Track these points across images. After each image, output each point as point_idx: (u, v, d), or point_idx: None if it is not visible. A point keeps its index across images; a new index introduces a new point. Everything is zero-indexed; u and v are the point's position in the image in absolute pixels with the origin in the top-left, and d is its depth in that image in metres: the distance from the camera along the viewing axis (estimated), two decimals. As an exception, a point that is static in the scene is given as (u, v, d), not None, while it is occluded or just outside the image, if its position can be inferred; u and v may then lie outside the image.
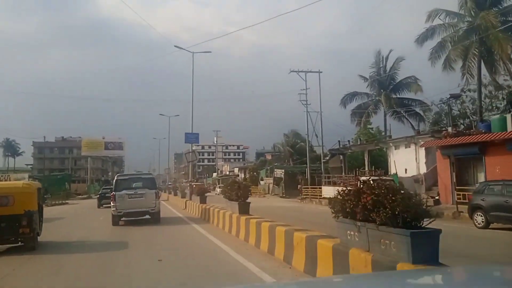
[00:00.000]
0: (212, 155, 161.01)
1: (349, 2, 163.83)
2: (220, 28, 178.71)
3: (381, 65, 39.82)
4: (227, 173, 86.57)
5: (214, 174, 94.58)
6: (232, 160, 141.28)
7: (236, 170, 77.64)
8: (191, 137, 29.68)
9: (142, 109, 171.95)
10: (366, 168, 30.96)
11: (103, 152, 77.42)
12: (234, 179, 16.31)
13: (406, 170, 24.91)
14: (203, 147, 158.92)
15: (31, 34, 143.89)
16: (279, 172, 45.10)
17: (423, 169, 24.70)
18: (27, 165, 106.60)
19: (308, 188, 35.28)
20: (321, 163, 37.70)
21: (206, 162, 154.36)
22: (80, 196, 59.15)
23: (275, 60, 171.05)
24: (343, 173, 34.22)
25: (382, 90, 38.97)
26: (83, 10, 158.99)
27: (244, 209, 12.34)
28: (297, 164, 49.41)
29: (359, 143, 35.57)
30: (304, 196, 34.48)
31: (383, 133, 37.82)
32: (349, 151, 35.03)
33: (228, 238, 11.84)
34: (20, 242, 10.74)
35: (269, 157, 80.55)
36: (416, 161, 25.98)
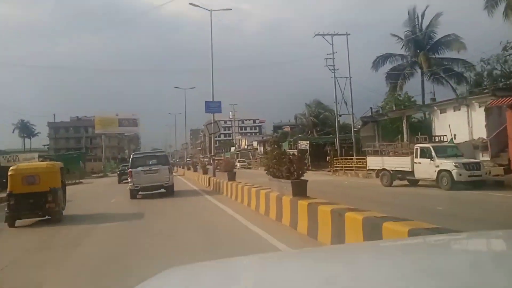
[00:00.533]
0: (228, 129, 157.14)
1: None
2: (231, 4, 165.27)
3: (416, 23, 35.33)
4: (245, 147, 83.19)
5: (232, 149, 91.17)
6: (248, 135, 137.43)
7: (255, 143, 74.06)
8: (213, 106, 25.47)
9: (156, 84, 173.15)
10: (405, 136, 27.08)
11: (117, 129, 75.08)
12: (280, 151, 12.14)
13: (455, 135, 21.03)
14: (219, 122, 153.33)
15: (46, 20, 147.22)
16: (304, 144, 41.47)
17: (479, 134, 20.75)
18: (44, 145, 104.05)
19: (340, 159, 33.32)
20: (351, 132, 33.93)
21: (222, 137, 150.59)
22: (95, 175, 56.39)
23: (292, 32, 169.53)
24: (377, 142, 30.48)
25: (418, 51, 34.63)
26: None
27: (300, 190, 9.71)
28: (321, 135, 45.51)
29: (394, 109, 31.63)
30: (336, 168, 32.70)
31: (413, 99, 33.71)
32: (385, 117, 31.11)
33: (283, 230, 9.32)
34: (47, 216, 12.18)
35: (287, 129, 77.41)
36: (469, 125, 22.12)
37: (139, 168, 18.35)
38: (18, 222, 11.91)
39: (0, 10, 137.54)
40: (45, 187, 12.04)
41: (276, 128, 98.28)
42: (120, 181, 32.60)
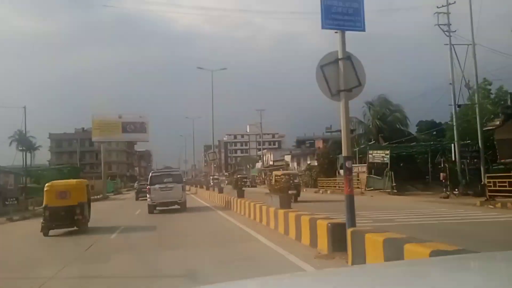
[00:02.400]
0: (245, 145, 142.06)
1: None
2: (243, 19, 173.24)
3: None
4: (270, 162, 67.47)
5: (258, 165, 75.61)
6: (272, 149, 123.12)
7: (287, 158, 58.75)
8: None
9: (167, 104, 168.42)
10: None
11: (120, 136, 57.37)
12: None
13: None
14: (235, 137, 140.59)
15: (59, 32, 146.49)
16: (380, 156, 25.65)
17: None
18: (48, 161, 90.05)
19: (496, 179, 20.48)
20: (477, 134, 18.80)
21: (239, 153, 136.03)
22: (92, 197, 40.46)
23: (302, 49, 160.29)
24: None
25: None
26: (108, 6, 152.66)
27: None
28: (392, 143, 30.46)
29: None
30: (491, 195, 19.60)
31: None
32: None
33: None
34: (75, 227, 13.84)
35: (319, 144, 67.52)
36: None
37: (157, 185, 20.14)
38: (50, 232, 13.55)
39: (14, 22, 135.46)
40: (74, 201, 13.79)
41: (300, 142, 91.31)
42: (137, 198, 35.21)
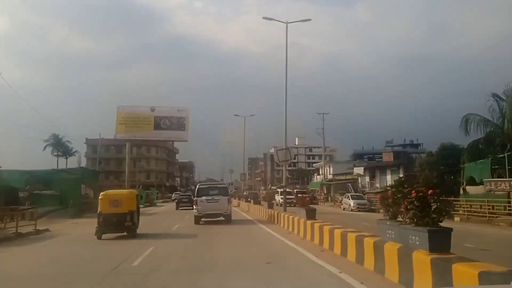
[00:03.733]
0: (294, 158, 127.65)
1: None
2: (289, 40, 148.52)
3: None
4: (329, 176, 54.35)
5: (318, 178, 62.70)
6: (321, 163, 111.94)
7: (357, 170, 45.72)
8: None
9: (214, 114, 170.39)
10: None
11: (152, 133, 44.47)
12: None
13: None
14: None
15: (113, 53, 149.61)
16: None
17: None
18: (82, 167, 79.24)
19: None
20: None
21: (291, 166, 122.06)
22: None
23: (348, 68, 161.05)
24: None
25: None
26: (161, 29, 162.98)
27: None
28: None
29: None
30: None
31: None
32: None
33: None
34: (125, 232, 15.37)
35: (388, 156, 60.25)
36: None
37: (203, 197, 20.82)
38: (103, 236, 15.22)
39: (75, 44, 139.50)
40: (125, 209, 15.16)
41: (357, 156, 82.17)
42: (177, 208, 37.14)
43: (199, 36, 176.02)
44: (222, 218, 20.91)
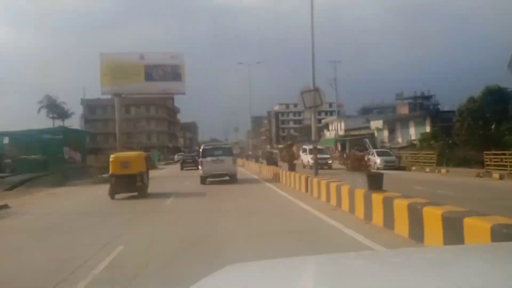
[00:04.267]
0: (299, 115, 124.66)
1: None
2: None
3: None
4: (341, 132, 49.44)
5: (328, 134, 57.76)
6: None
7: (375, 124, 40.62)
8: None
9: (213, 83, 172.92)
10: None
11: (143, 85, 36.00)
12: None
13: None
14: (287, 106, 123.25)
15: (107, 11, 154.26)
16: None
17: None
18: (63, 127, 75.49)
19: None
20: None
21: (291, 124, 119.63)
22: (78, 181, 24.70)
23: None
24: None
25: None
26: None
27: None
28: None
29: None
30: None
31: None
32: None
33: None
34: (135, 192, 15.97)
35: (403, 109, 54.20)
36: None
37: (208, 158, 21.00)
38: (116, 196, 15.98)
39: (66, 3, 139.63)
40: (135, 171, 15.84)
41: (366, 111, 76.88)
42: (182, 168, 37.71)
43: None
44: (227, 177, 21.59)
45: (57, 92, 70.78)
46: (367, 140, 44.81)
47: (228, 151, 22.24)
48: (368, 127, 51.86)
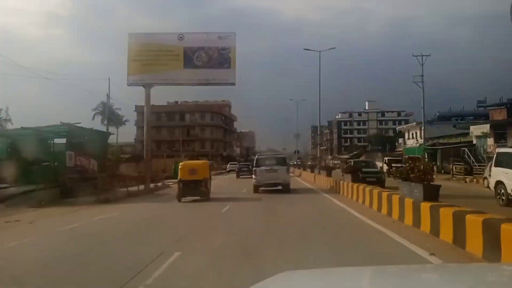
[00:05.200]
0: (363, 124, 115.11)
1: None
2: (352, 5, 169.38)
3: None
4: (420, 140, 38.09)
5: (410, 142, 46.99)
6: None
7: (478, 129, 29.24)
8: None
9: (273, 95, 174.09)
10: None
11: (182, 73, 26.36)
12: None
13: None
14: (350, 115, 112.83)
15: (171, 28, 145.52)
16: None
17: None
18: (135, 139, 74.39)
19: None
20: None
21: (355, 133, 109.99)
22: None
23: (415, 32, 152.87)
24: None
25: None
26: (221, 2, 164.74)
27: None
28: None
29: None
30: None
31: None
32: None
33: None
34: (200, 196, 17.50)
35: (498, 115, 40.98)
36: None
37: (262, 167, 20.90)
38: (183, 199, 17.57)
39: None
40: (200, 177, 17.53)
41: (443, 118, 66.52)
42: (238, 176, 38.56)
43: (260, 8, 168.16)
44: (280, 187, 21.44)
45: (113, 99, 67.31)
46: (465, 149, 34.67)
47: (282, 161, 22.17)
48: (461, 134, 41.57)
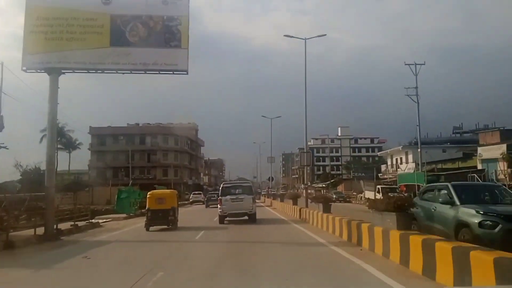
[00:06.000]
0: (336, 151, 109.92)
1: None
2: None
3: None
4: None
5: (403, 167, 39.67)
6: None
7: (488, 151, 22.66)
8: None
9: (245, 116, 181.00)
10: None
11: (106, 53, 15.74)
12: None
13: None
14: (323, 141, 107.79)
15: None
16: None
17: None
18: (88, 165, 64.66)
19: None
20: None
21: (327, 161, 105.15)
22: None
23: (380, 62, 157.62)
24: None
25: None
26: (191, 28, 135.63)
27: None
28: None
29: None
30: None
31: None
32: None
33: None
34: (168, 225, 17.90)
35: (490, 138, 38.53)
36: None
37: (228, 196, 20.36)
38: (151, 228, 18.23)
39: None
40: (168, 206, 18.04)
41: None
42: (207, 206, 38.62)
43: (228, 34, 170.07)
44: (246, 217, 21.00)
45: (65, 118, 56.49)
46: (475, 175, 28.63)
47: (248, 190, 21.37)
48: (458, 159, 35.91)
